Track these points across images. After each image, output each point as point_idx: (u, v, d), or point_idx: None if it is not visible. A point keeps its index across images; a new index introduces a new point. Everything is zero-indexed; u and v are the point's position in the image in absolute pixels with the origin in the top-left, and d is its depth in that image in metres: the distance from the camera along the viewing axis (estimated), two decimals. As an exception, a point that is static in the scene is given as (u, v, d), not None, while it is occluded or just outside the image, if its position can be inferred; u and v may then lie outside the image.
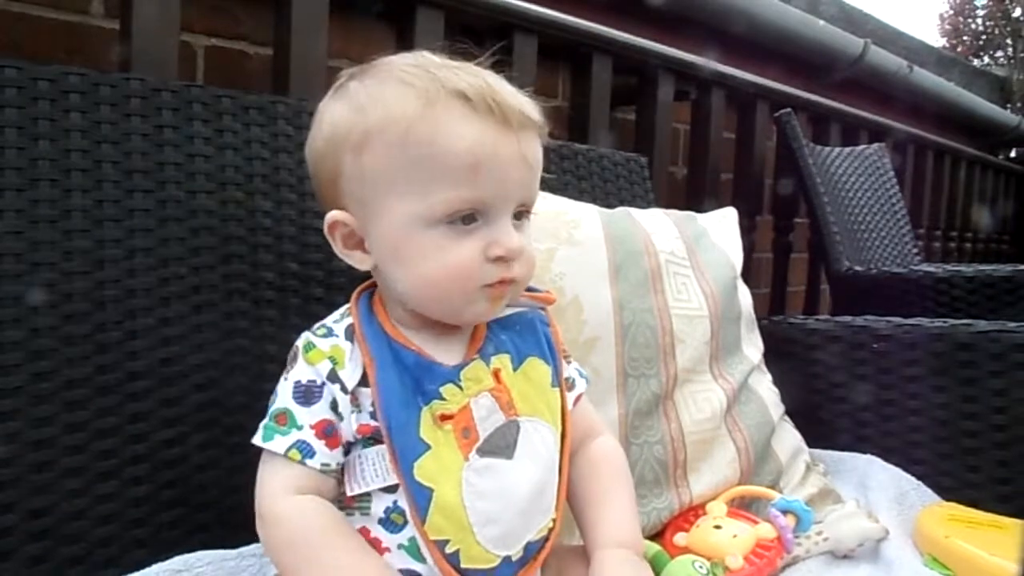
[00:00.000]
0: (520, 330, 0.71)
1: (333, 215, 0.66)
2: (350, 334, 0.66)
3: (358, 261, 0.67)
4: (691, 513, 0.93)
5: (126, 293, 0.81)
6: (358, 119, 0.63)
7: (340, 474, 0.65)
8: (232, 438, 0.86)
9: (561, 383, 0.72)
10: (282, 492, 0.62)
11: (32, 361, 0.75)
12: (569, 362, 0.76)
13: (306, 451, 0.62)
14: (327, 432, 0.63)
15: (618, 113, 1.82)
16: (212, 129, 0.90)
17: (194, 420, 0.84)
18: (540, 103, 0.68)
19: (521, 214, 0.66)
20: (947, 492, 1.01)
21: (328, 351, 0.65)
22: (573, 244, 0.98)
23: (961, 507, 0.95)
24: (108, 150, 0.82)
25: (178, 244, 0.85)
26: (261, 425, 0.64)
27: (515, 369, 0.68)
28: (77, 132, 0.81)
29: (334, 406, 0.64)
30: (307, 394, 0.64)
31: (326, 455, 0.63)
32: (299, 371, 0.65)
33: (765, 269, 2.29)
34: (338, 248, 0.68)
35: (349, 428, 0.64)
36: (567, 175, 1.25)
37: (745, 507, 0.95)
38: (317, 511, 0.62)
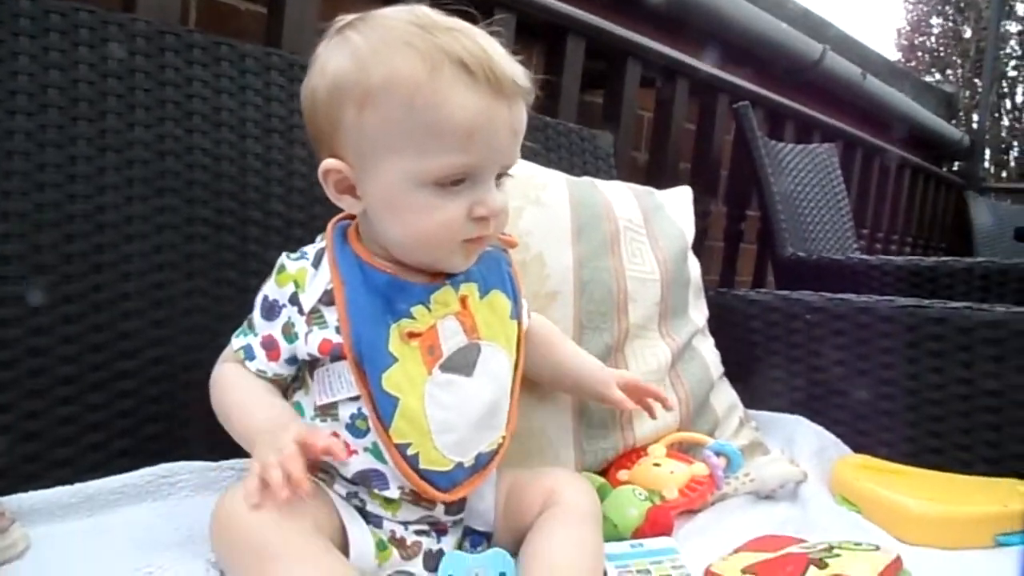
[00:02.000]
0: (488, 265, 0.78)
1: (329, 163, 0.70)
2: (319, 259, 0.73)
3: (348, 205, 0.72)
4: (634, 454, 1.02)
5: (124, 219, 0.87)
6: (362, 75, 0.66)
7: (278, 382, 0.74)
8: (211, 360, 0.92)
9: (520, 316, 0.79)
10: (221, 363, 0.76)
11: (31, 275, 0.80)
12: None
13: (248, 354, 0.73)
14: (268, 345, 0.73)
15: (587, 95, 1.90)
16: (210, 73, 0.95)
17: (181, 342, 0.90)
18: (532, 91, 0.71)
19: (502, 175, 0.71)
20: (862, 448, 1.13)
21: (294, 274, 0.72)
22: (540, 205, 1.06)
23: (872, 458, 1.07)
24: (113, 84, 0.87)
25: (173, 177, 0.91)
26: None
27: (481, 298, 0.75)
28: (85, 65, 0.86)
29: (288, 326, 0.72)
30: (270, 310, 0.73)
31: (263, 363, 0.73)
32: (269, 287, 0.74)
33: (716, 256, 2.40)
34: (330, 192, 0.72)
35: (304, 346, 0.70)
36: (537, 144, 1.32)
37: (683, 451, 1.04)
38: (240, 370, 0.74)
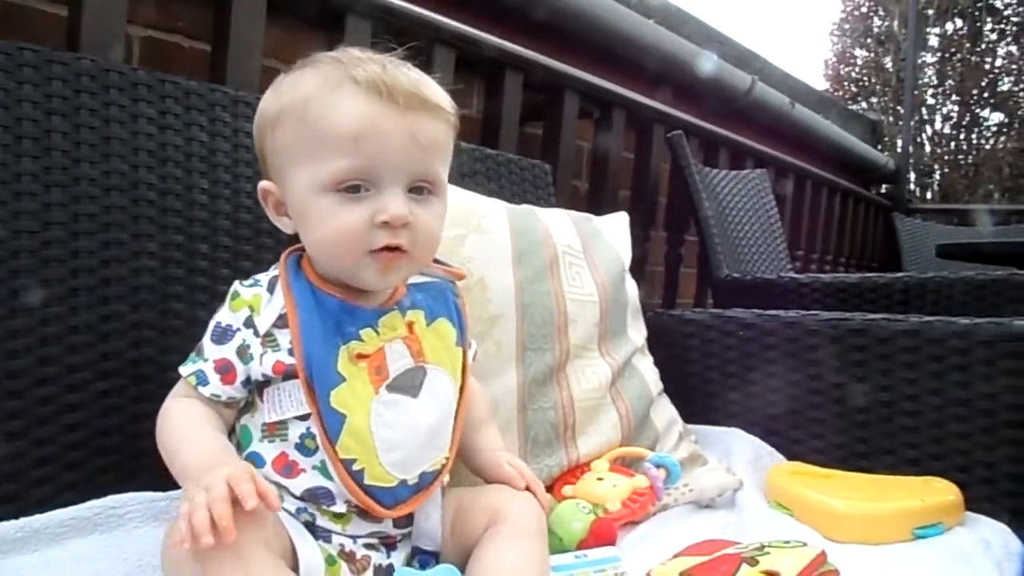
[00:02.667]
0: (434, 294, 0.82)
1: (262, 185, 0.78)
2: (273, 285, 0.77)
3: (285, 226, 0.78)
4: (578, 469, 1.06)
5: (70, 254, 0.88)
6: (276, 102, 0.75)
7: (231, 406, 0.75)
8: (165, 392, 0.93)
9: (465, 344, 0.83)
10: (170, 398, 0.75)
11: (-20, 310, 0.81)
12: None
13: (201, 380, 0.74)
14: (223, 369, 0.74)
15: (527, 127, 1.96)
16: (156, 110, 0.98)
17: (130, 374, 0.91)
18: (452, 111, 0.75)
19: (422, 190, 0.73)
20: (795, 455, 1.18)
21: (249, 299, 0.76)
22: (481, 232, 1.10)
23: (803, 464, 1.12)
24: (58, 122, 0.89)
25: (120, 212, 0.93)
26: None
27: (427, 325, 0.79)
28: (29, 103, 0.87)
29: (243, 349, 0.74)
30: (222, 335, 0.75)
31: (217, 388, 0.74)
32: (222, 314, 0.77)
33: (658, 280, 2.48)
34: (270, 214, 0.79)
35: (258, 367, 0.73)
36: (478, 176, 1.37)
37: (625, 465, 1.08)
38: (185, 406, 0.74)
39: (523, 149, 1.77)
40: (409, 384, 0.75)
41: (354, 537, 0.74)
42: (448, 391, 0.79)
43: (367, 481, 0.72)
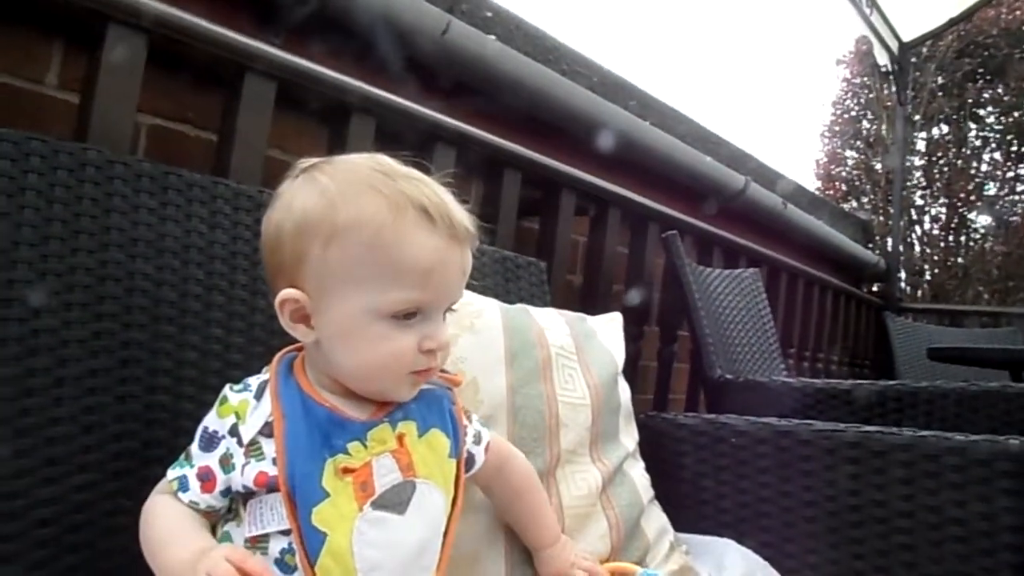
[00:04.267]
0: (428, 403, 0.81)
1: (288, 293, 0.73)
2: (261, 391, 0.75)
3: (302, 334, 0.75)
4: (565, 584, 1.02)
5: (59, 343, 0.87)
6: (329, 213, 0.71)
7: (211, 515, 0.74)
8: (145, 489, 0.91)
9: (460, 456, 0.81)
10: (155, 494, 0.76)
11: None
12: (471, 420, 0.88)
13: (183, 485, 0.74)
14: (204, 477, 0.73)
15: (524, 222, 1.99)
16: (157, 201, 0.98)
17: (110, 468, 0.89)
18: (478, 238, 0.79)
19: (447, 309, 0.77)
20: (790, 571, 1.15)
21: (235, 406, 0.75)
22: (474, 332, 1.10)
23: (797, 583, 1.09)
24: (59, 211, 0.89)
25: (113, 302, 0.92)
26: None
27: (419, 436, 0.77)
28: (32, 192, 0.88)
29: (226, 457, 0.73)
30: (208, 442, 0.75)
31: (196, 495, 0.73)
32: (210, 418, 0.76)
33: (651, 376, 2.47)
34: (284, 320, 0.75)
35: (239, 478, 0.72)
36: (473, 272, 1.37)
37: (614, 580, 1.04)
38: (170, 503, 0.73)
39: (519, 241, 1.79)
40: (396, 500, 0.73)
41: None
42: (438, 506, 0.77)
43: None
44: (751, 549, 1.20)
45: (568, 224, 1.88)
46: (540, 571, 0.92)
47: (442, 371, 0.84)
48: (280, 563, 0.70)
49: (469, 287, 1.22)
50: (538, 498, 0.97)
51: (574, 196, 1.89)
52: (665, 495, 1.24)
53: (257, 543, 0.71)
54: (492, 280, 1.40)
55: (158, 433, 0.92)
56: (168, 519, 0.72)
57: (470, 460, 0.86)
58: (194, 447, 0.75)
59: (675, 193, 2.54)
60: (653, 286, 2.34)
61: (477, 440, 0.88)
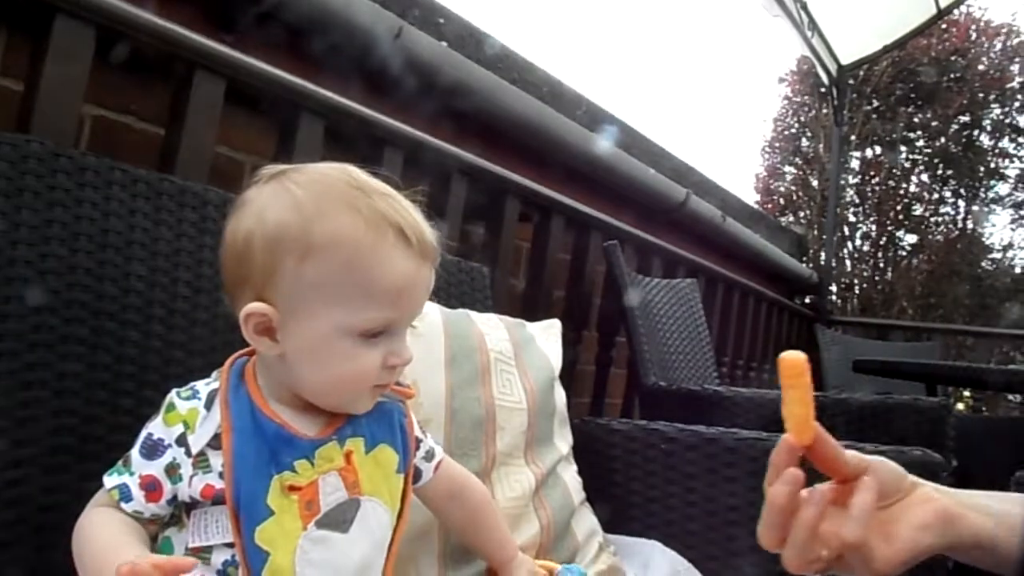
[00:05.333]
0: (378, 418, 0.80)
1: (257, 307, 0.71)
2: (211, 399, 0.75)
3: (266, 347, 0.73)
4: (493, 583, 1.05)
5: (-5, 336, 0.87)
6: (306, 229, 0.70)
7: (154, 523, 0.74)
8: (82, 484, 0.90)
9: (408, 470, 0.82)
10: (90, 507, 0.73)
11: None
12: (426, 436, 0.90)
13: (125, 495, 0.72)
14: (150, 487, 0.72)
15: (468, 226, 2.02)
16: (101, 196, 0.98)
17: (44, 463, 0.88)
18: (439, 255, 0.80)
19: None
20: (712, 573, 1.20)
21: (184, 414, 0.74)
22: (415, 336, 1.12)
23: (717, 583, 1.15)
24: (-1, 203, 0.89)
25: (54, 297, 0.92)
26: None
27: (367, 452, 0.78)
28: (-28, 184, 0.87)
29: (172, 467, 0.72)
30: (152, 449, 0.73)
31: (141, 504, 0.72)
32: (155, 425, 0.74)
33: (588, 380, 2.52)
34: (248, 332, 0.73)
35: (187, 489, 0.71)
36: (418, 275, 1.40)
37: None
38: (107, 518, 0.71)
39: (463, 246, 1.82)
40: (340, 519, 0.74)
41: None
42: (383, 523, 0.78)
43: None
44: (676, 551, 1.25)
45: (512, 230, 1.92)
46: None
47: (396, 383, 0.84)
48: (223, 574, 0.71)
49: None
50: (493, 519, 0.97)
51: (519, 202, 1.93)
52: (596, 497, 1.28)
53: (200, 553, 0.71)
54: (435, 285, 1.42)
55: (96, 429, 0.92)
56: (110, 530, 0.70)
57: (417, 474, 0.87)
58: (134, 454, 0.73)
59: (618, 203, 2.60)
60: (594, 293, 2.39)
61: (429, 457, 0.89)
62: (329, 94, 1.40)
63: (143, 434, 0.75)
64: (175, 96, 1.23)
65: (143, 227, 1.02)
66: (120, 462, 0.74)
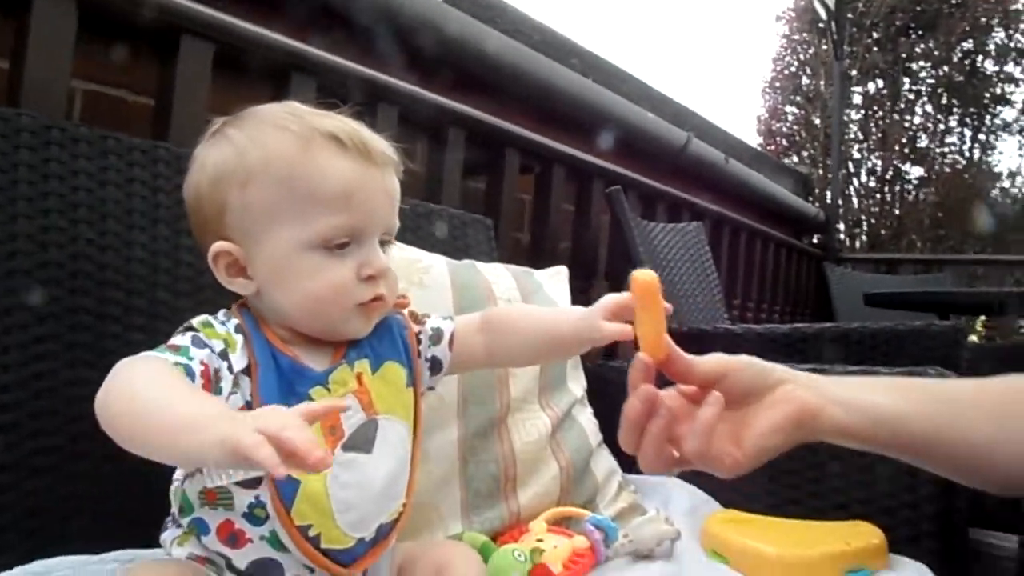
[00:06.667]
0: (380, 336, 0.79)
1: (219, 245, 0.73)
2: (239, 330, 0.74)
3: (241, 287, 0.75)
4: (516, 531, 1.06)
5: (3, 311, 0.87)
6: (241, 159, 0.72)
7: None
8: (99, 450, 0.91)
9: (416, 383, 0.82)
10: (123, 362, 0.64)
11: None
12: (428, 319, 0.86)
13: (189, 373, 0.66)
14: (206, 376, 0.67)
15: (470, 182, 2.00)
16: (96, 166, 0.98)
17: (64, 432, 0.89)
18: (401, 164, 0.79)
19: (384, 242, 0.76)
20: (731, 503, 1.21)
21: (224, 335, 0.72)
22: (423, 287, 1.12)
23: (737, 512, 1.15)
24: (-5, 178, 0.89)
25: (57, 268, 0.92)
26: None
27: (373, 372, 0.78)
28: (-34, 160, 0.87)
29: (217, 374, 0.69)
30: (203, 344, 0.69)
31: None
32: (196, 332, 0.71)
33: (600, 329, 2.52)
34: (221, 276, 0.74)
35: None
36: (420, 231, 1.40)
37: (563, 526, 1.09)
38: (150, 363, 0.64)
39: (466, 202, 1.80)
40: (363, 440, 0.74)
41: None
42: (402, 438, 0.78)
43: (324, 545, 0.71)
44: (695, 487, 1.26)
45: (513, 182, 1.90)
46: (592, 336, 0.80)
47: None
48: (249, 516, 0.70)
49: (416, 244, 1.25)
50: (537, 309, 0.97)
51: (518, 154, 1.91)
52: (613, 440, 1.28)
53: (217, 497, 0.71)
54: (439, 238, 1.42)
55: (110, 397, 0.93)
56: (162, 377, 0.63)
57: (436, 363, 0.85)
58: (186, 342, 0.68)
59: (619, 150, 2.57)
60: (600, 243, 2.38)
61: (437, 338, 0.85)
62: (320, 52, 1.38)
63: (185, 333, 0.70)
64: (163, 63, 1.22)
65: (141, 195, 1.02)
66: (167, 349, 0.68)
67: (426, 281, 1.12)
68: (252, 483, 0.70)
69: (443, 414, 1.06)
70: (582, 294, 2.09)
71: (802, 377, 0.69)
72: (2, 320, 0.87)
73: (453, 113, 1.69)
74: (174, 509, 0.75)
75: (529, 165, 2.01)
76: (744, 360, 0.69)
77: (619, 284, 2.42)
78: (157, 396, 0.60)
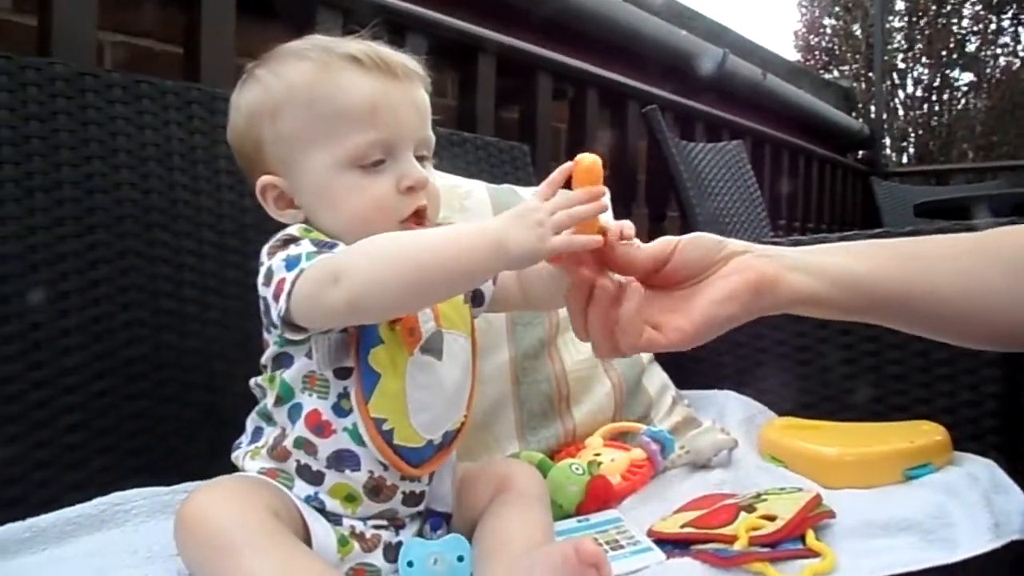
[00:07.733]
0: None
1: (264, 179, 0.76)
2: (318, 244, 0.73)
3: (291, 218, 0.76)
4: (572, 447, 1.07)
5: (56, 257, 0.89)
6: (267, 94, 0.75)
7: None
8: (159, 390, 0.94)
9: (469, 299, 0.83)
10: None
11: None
12: None
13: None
14: None
15: (503, 112, 1.97)
16: (133, 111, 0.98)
17: (123, 373, 0.92)
18: (432, 98, 0.79)
19: (422, 158, 0.76)
20: (786, 413, 1.20)
21: (324, 238, 0.72)
22: (464, 212, 1.11)
23: (794, 419, 1.14)
24: (35, 127, 0.89)
25: (103, 213, 0.93)
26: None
27: None
28: (5, 111, 0.87)
29: None
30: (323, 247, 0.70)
31: None
32: (304, 245, 0.70)
33: (643, 255, 2.49)
34: (271, 210, 0.77)
35: None
36: (457, 160, 1.38)
37: (620, 440, 1.09)
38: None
39: (500, 133, 1.78)
40: (436, 347, 0.76)
41: (363, 519, 0.75)
42: (465, 349, 0.80)
43: (396, 441, 0.73)
44: (750, 397, 1.25)
45: (547, 107, 1.87)
46: None
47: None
48: (336, 407, 0.73)
49: (455, 171, 1.24)
50: None
51: (551, 79, 1.87)
52: (665, 356, 1.28)
53: (316, 383, 0.73)
54: (477, 167, 1.40)
55: (165, 336, 0.95)
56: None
57: (478, 297, 0.86)
58: (308, 249, 0.69)
59: (653, 71, 2.50)
60: (638, 169, 2.34)
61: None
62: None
63: (300, 242, 0.71)
64: (188, 8, 1.21)
65: (179, 138, 1.02)
66: (306, 256, 0.68)
67: (467, 205, 1.11)
68: (343, 373, 0.72)
69: (492, 337, 1.06)
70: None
71: (758, 247, 0.65)
72: (55, 267, 0.88)
73: (482, 39, 1.65)
74: (268, 400, 0.76)
75: (562, 90, 1.97)
76: (692, 236, 0.65)
77: (661, 208, 2.38)
78: (435, 241, 0.65)
